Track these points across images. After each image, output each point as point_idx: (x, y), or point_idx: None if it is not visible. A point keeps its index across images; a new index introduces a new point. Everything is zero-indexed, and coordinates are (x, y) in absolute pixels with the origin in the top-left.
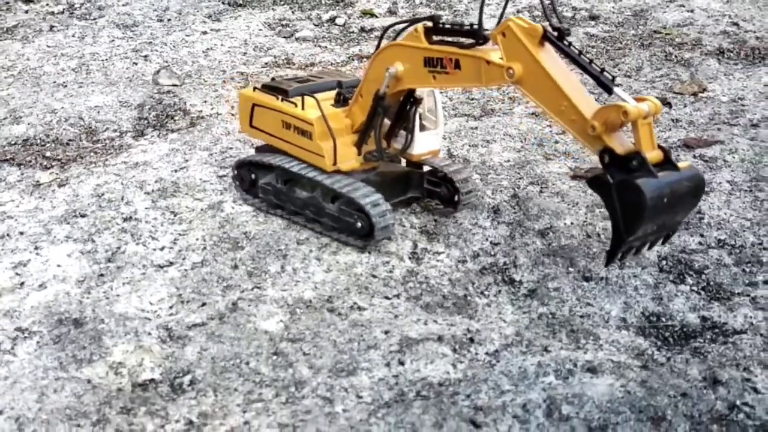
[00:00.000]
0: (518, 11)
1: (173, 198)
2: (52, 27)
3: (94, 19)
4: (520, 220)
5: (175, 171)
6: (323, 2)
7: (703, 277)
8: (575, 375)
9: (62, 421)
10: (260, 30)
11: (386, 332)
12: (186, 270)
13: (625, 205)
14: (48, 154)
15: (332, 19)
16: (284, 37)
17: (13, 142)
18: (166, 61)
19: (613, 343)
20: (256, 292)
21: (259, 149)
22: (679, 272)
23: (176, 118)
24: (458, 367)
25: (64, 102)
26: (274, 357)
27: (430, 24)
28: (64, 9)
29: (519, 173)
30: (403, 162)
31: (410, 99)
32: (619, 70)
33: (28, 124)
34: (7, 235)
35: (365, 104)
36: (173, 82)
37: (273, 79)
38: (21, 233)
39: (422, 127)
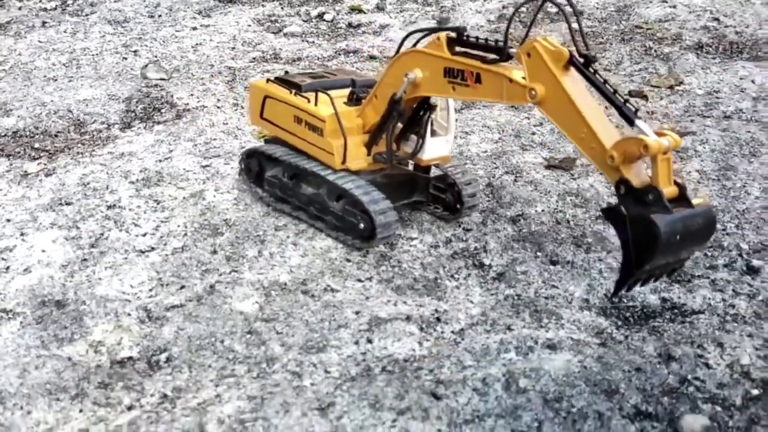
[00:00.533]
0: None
1: (157, 187)
2: (44, 23)
3: (86, 15)
4: (492, 207)
5: (160, 161)
6: None
7: None
8: (535, 351)
9: (42, 395)
10: (249, 26)
11: (357, 312)
12: (167, 255)
13: (638, 240)
14: (36, 145)
15: (320, 15)
16: (272, 32)
17: (2, 134)
18: (156, 56)
19: (575, 323)
20: (234, 276)
21: (268, 141)
22: None
23: (163, 110)
24: (424, 344)
25: (53, 95)
26: (248, 336)
27: (453, 34)
28: (56, 5)
29: (495, 163)
30: (410, 165)
31: (424, 105)
32: (599, 64)
33: (18, 116)
34: None
35: (379, 106)
36: (161, 76)
37: (286, 72)
38: (8, 220)
39: (433, 133)
